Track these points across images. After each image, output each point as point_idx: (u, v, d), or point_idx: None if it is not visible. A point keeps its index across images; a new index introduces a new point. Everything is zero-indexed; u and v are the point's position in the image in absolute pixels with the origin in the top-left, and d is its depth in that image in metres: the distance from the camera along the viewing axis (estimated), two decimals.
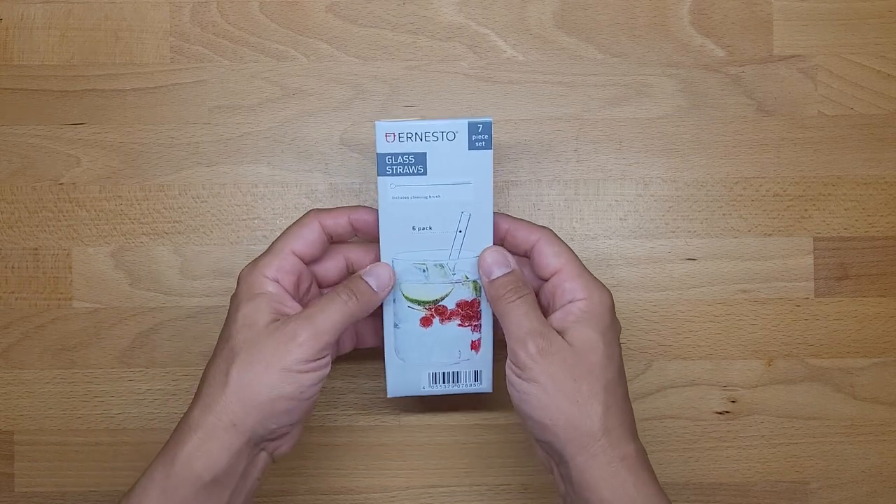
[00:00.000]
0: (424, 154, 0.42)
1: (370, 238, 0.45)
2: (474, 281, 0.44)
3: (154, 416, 0.51)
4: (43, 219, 0.51)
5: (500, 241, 0.44)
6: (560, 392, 0.39)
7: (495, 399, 0.51)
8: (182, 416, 0.41)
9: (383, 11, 0.51)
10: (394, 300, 0.44)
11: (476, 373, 0.46)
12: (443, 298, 0.44)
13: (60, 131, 0.51)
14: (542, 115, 0.51)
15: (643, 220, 0.51)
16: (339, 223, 0.44)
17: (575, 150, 0.51)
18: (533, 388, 0.40)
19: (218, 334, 0.50)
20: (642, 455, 0.40)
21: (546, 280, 0.43)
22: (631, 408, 0.41)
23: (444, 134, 0.42)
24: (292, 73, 0.51)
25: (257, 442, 0.40)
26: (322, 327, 0.40)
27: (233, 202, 0.51)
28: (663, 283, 0.51)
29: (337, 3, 0.51)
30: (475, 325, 0.45)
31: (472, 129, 0.42)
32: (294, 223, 0.44)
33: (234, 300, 0.42)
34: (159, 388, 0.51)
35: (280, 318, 0.41)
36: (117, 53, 0.51)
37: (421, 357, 0.45)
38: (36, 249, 0.51)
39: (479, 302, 0.44)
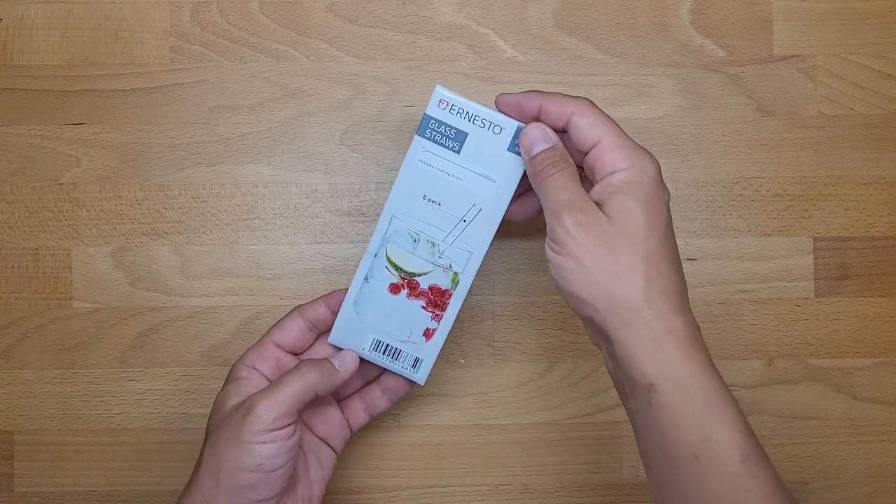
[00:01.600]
0: (466, 135, 0.43)
1: None
2: (456, 273, 0.44)
3: (154, 417, 0.51)
4: (43, 219, 0.51)
5: (533, 118, 0.42)
6: (597, 265, 0.37)
7: (495, 399, 0.51)
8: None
9: (383, 11, 0.51)
10: (375, 255, 0.44)
11: (416, 360, 0.45)
12: (420, 275, 0.44)
13: (60, 131, 0.51)
14: None
15: None
16: (318, 312, 0.45)
17: None
18: (569, 263, 0.38)
19: (217, 335, 0.51)
20: (692, 328, 0.38)
21: (586, 154, 0.40)
22: (681, 279, 0.39)
23: (492, 125, 0.43)
24: (292, 73, 0.51)
25: None
26: (277, 398, 0.40)
27: (233, 202, 0.51)
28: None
29: (337, 3, 0.51)
30: (437, 315, 0.44)
31: (519, 133, 0.42)
32: (283, 317, 0.46)
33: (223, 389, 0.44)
34: (159, 388, 0.51)
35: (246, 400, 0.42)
36: (117, 53, 0.51)
37: (375, 319, 0.45)
38: (36, 249, 0.51)
39: (451, 296, 0.44)
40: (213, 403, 0.43)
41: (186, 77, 0.51)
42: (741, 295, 0.51)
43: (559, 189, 0.39)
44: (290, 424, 0.41)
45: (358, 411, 0.46)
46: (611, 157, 0.39)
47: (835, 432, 0.51)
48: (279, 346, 0.45)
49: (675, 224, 0.51)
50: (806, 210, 0.51)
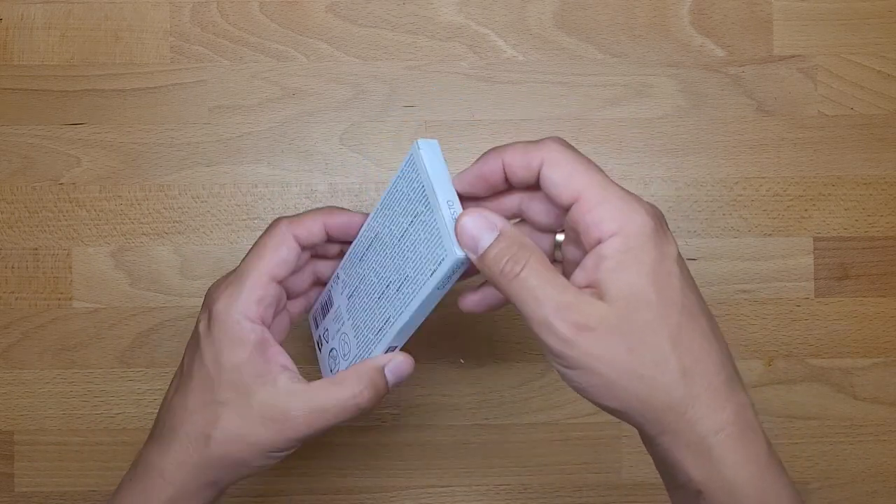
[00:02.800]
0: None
1: (346, 241, 0.41)
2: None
3: (154, 417, 0.51)
4: (43, 219, 0.51)
5: (501, 183, 0.35)
6: (618, 372, 0.30)
7: (495, 399, 0.51)
8: (138, 454, 0.39)
9: (383, 11, 0.51)
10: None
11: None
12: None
13: (60, 131, 0.51)
14: (542, 116, 0.51)
15: None
16: (313, 233, 0.38)
17: None
18: (584, 378, 0.31)
19: None
20: (744, 416, 0.31)
21: (567, 210, 0.33)
22: (722, 350, 0.32)
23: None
24: (292, 73, 0.51)
25: (224, 489, 0.39)
26: (318, 426, 0.36)
27: (233, 202, 0.51)
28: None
29: (337, 3, 0.51)
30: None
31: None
32: (265, 238, 0.38)
33: (210, 336, 0.36)
34: (159, 388, 0.51)
35: (270, 377, 0.36)
36: (117, 53, 0.51)
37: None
38: (36, 249, 0.51)
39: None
40: (216, 357, 0.36)
41: (186, 77, 0.51)
42: (741, 295, 0.51)
43: (535, 290, 0.31)
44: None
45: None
46: (596, 219, 0.31)
47: (835, 432, 0.51)
48: (277, 282, 0.37)
49: (675, 224, 0.51)
50: (806, 210, 0.51)
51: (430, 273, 0.34)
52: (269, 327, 0.38)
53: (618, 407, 0.31)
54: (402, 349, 0.38)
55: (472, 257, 0.33)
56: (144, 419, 0.51)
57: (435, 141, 0.36)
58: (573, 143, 0.49)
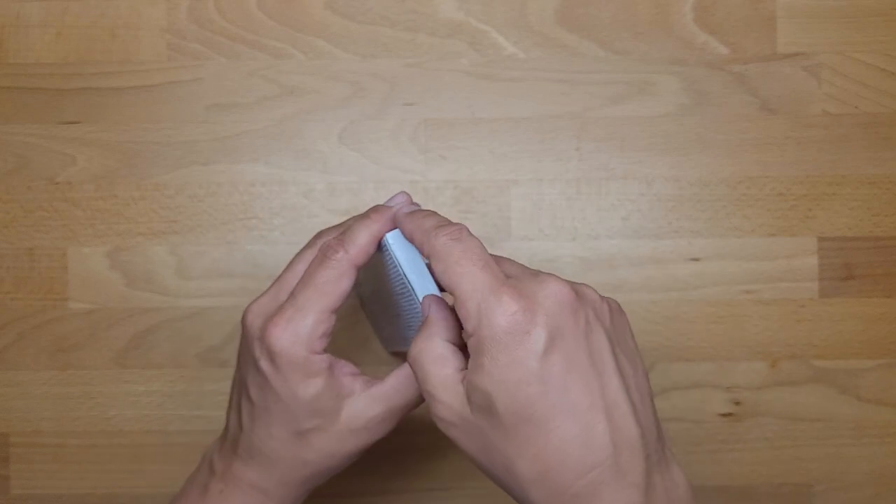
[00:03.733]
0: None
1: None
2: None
3: (150, 418, 0.51)
4: (38, 218, 0.51)
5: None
6: (482, 467, 0.34)
7: None
8: (222, 463, 0.40)
9: (382, 8, 0.51)
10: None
11: None
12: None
13: (56, 130, 0.51)
14: (543, 114, 0.51)
15: (646, 219, 0.51)
16: (369, 252, 0.38)
17: (577, 149, 0.51)
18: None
19: (214, 336, 0.50)
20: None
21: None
22: (590, 455, 0.31)
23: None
24: (290, 70, 0.51)
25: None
26: (399, 419, 0.39)
27: (230, 201, 0.51)
28: (666, 284, 0.51)
29: None
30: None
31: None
32: (325, 272, 0.36)
33: (280, 374, 0.36)
34: (156, 389, 0.51)
35: (345, 391, 0.37)
36: (113, 51, 0.51)
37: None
38: (31, 249, 0.51)
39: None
40: (293, 390, 0.36)
41: (183, 75, 0.51)
42: (745, 296, 0.51)
43: (418, 371, 0.35)
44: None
45: None
46: (461, 315, 0.32)
47: (839, 434, 0.51)
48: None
49: (678, 224, 0.51)
50: (810, 210, 0.51)
51: None
52: None
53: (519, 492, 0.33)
54: None
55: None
56: (141, 421, 0.51)
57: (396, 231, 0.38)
58: (575, 142, 0.49)
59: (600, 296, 0.34)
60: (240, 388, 0.39)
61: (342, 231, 0.38)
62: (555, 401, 0.31)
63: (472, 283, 0.32)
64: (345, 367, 0.38)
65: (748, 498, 0.51)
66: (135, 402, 0.51)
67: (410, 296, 0.38)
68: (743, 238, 0.51)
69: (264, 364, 0.37)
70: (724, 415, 0.51)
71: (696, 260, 0.51)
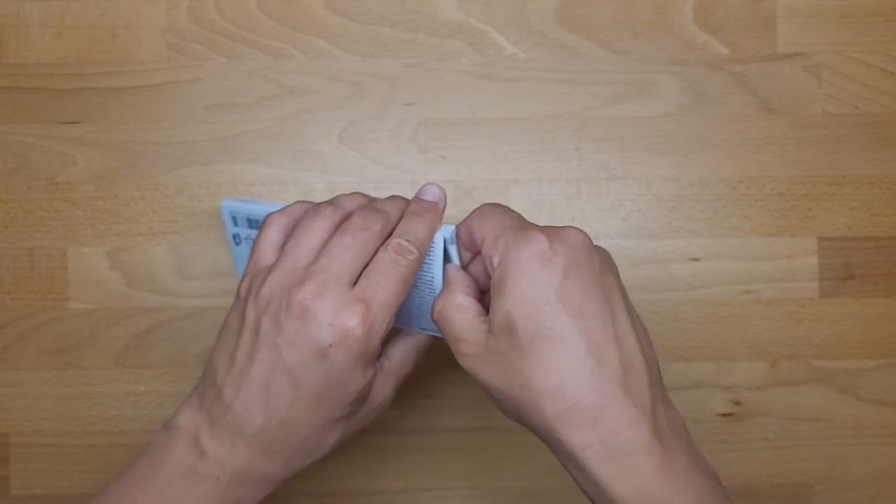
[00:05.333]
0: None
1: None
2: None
3: (150, 418, 0.51)
4: (38, 218, 0.51)
5: (465, 254, 0.40)
6: (501, 394, 0.35)
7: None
8: (224, 448, 0.38)
9: (382, 8, 0.51)
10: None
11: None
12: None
13: (56, 130, 0.51)
14: (543, 114, 0.51)
15: (646, 219, 0.51)
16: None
17: (577, 149, 0.51)
18: (490, 396, 0.37)
19: (213, 336, 0.50)
20: (616, 439, 0.33)
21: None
22: (599, 373, 0.33)
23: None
24: (290, 70, 0.51)
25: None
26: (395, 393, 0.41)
27: None
28: (666, 284, 0.51)
29: None
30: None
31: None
32: (403, 269, 0.37)
33: (350, 358, 0.36)
34: (156, 389, 0.51)
35: (375, 384, 0.39)
36: (113, 51, 0.51)
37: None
38: (31, 249, 0.51)
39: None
40: (349, 369, 0.36)
41: (183, 75, 0.51)
42: (745, 295, 0.51)
43: (442, 324, 0.38)
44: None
45: None
46: (487, 255, 0.36)
47: (839, 434, 0.51)
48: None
49: (678, 224, 0.51)
50: (810, 210, 0.51)
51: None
52: None
53: (518, 422, 0.36)
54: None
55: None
56: (141, 421, 0.51)
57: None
58: (575, 142, 0.49)
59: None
60: (272, 368, 0.37)
61: (389, 220, 0.39)
62: (571, 321, 0.33)
63: (501, 223, 0.36)
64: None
65: (748, 498, 0.51)
66: (135, 402, 0.51)
67: (429, 282, 0.40)
68: (743, 238, 0.51)
69: (337, 351, 0.36)
70: (724, 415, 0.51)
71: (696, 260, 0.51)
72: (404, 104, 0.51)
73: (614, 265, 0.38)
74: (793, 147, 0.51)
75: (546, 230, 0.35)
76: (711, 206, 0.51)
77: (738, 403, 0.51)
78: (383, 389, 0.40)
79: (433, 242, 0.40)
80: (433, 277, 0.40)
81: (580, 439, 0.33)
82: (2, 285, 0.51)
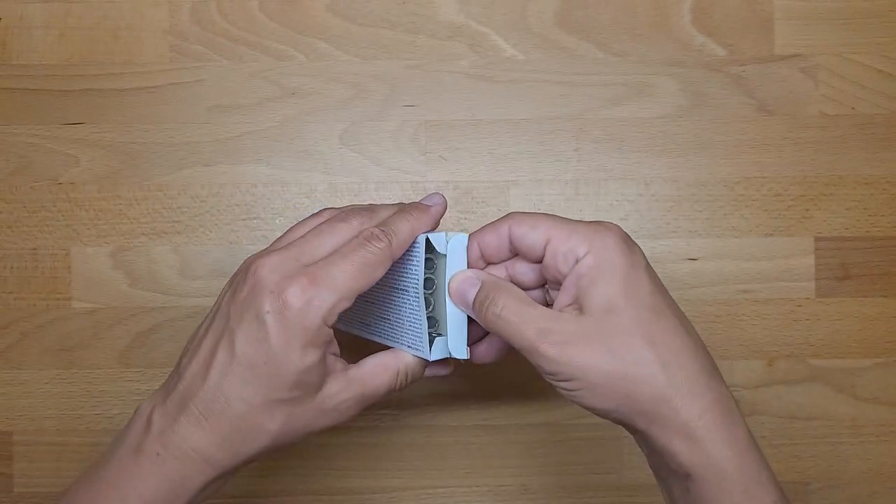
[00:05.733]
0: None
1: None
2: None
3: None
4: (41, 219, 0.51)
5: (480, 263, 0.40)
6: (604, 376, 0.34)
7: (496, 399, 0.51)
8: (164, 421, 0.37)
9: (383, 10, 0.51)
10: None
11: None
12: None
13: (59, 131, 0.51)
14: (542, 115, 0.51)
15: (644, 219, 0.51)
16: (406, 247, 0.39)
17: (575, 150, 0.51)
18: (576, 386, 0.35)
19: None
20: (723, 403, 0.35)
21: (543, 260, 0.38)
22: (696, 343, 0.36)
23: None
24: (291, 72, 0.51)
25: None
26: (364, 407, 0.39)
27: (232, 202, 0.51)
28: (664, 283, 0.51)
29: (336, 1, 0.51)
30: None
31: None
32: (369, 256, 0.37)
33: (286, 333, 0.35)
34: (158, 388, 0.51)
35: (327, 377, 0.37)
36: (116, 53, 0.51)
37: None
38: (35, 249, 0.51)
39: None
40: (286, 353, 0.36)
41: (185, 76, 0.51)
42: (742, 295, 0.51)
43: (514, 321, 0.35)
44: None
45: None
46: (569, 247, 0.36)
47: (836, 433, 0.51)
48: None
49: (676, 224, 0.51)
50: (807, 210, 0.51)
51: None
52: None
53: (610, 407, 0.35)
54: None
55: (468, 311, 0.38)
56: None
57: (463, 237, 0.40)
58: (574, 143, 0.49)
59: None
60: (219, 336, 0.37)
61: (375, 218, 0.39)
62: (662, 299, 0.36)
63: (555, 221, 0.37)
64: (334, 346, 0.38)
65: None
66: (137, 401, 0.51)
67: (414, 291, 0.39)
68: (740, 238, 0.51)
69: (272, 319, 0.35)
70: None
71: (694, 260, 0.51)
72: (405, 106, 0.51)
73: None
74: (790, 148, 0.51)
75: (605, 224, 0.37)
76: (709, 206, 0.51)
77: (735, 402, 0.51)
78: (341, 394, 0.37)
79: (416, 244, 0.39)
80: (418, 284, 0.39)
81: (696, 407, 0.34)
82: (5, 285, 0.51)
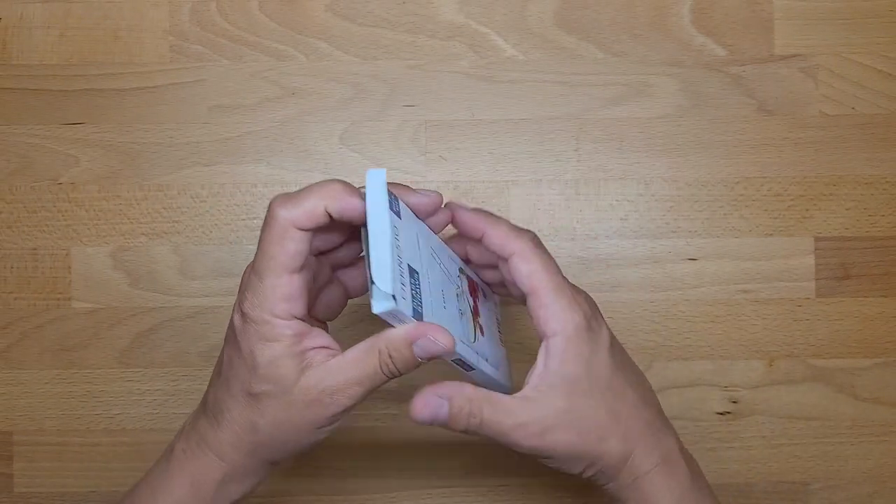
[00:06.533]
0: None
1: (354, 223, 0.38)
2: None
3: (153, 417, 0.51)
4: (42, 219, 0.51)
5: (475, 238, 0.41)
6: (577, 450, 0.39)
7: None
8: (191, 422, 0.40)
9: (383, 10, 0.51)
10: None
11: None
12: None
13: (59, 131, 0.51)
14: (542, 115, 0.51)
15: (644, 219, 0.51)
16: (315, 216, 0.36)
17: (575, 150, 0.51)
18: (557, 461, 0.40)
19: (218, 335, 0.50)
20: (668, 459, 0.40)
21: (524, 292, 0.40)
22: (650, 409, 0.41)
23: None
24: (292, 72, 0.51)
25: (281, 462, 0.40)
26: (358, 395, 0.38)
27: (232, 202, 0.51)
28: (664, 284, 0.51)
29: (336, 1, 0.51)
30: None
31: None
32: (266, 234, 0.36)
33: (245, 333, 0.37)
34: (158, 388, 0.51)
35: (305, 362, 0.37)
36: (116, 53, 0.51)
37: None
38: (35, 249, 0.51)
39: None
40: (251, 358, 0.37)
41: (186, 76, 0.51)
42: (742, 295, 0.51)
43: (496, 426, 0.39)
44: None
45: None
46: (544, 316, 0.39)
47: (836, 433, 0.51)
48: (297, 273, 0.37)
49: (676, 224, 0.51)
50: (807, 210, 0.51)
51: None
52: (310, 310, 0.39)
53: (578, 472, 0.40)
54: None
55: (442, 423, 0.40)
56: (144, 420, 0.51)
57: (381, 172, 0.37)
58: (574, 143, 0.49)
59: None
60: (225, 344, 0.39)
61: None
62: (621, 375, 0.40)
63: (553, 287, 0.39)
64: (317, 339, 0.37)
65: (746, 496, 0.51)
66: (137, 401, 0.51)
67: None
68: (740, 238, 0.51)
69: (237, 319, 0.37)
70: (721, 413, 0.51)
71: (694, 260, 0.51)
72: (405, 106, 0.51)
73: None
74: (790, 148, 0.51)
75: (579, 301, 0.39)
76: (709, 206, 0.51)
77: (735, 402, 0.51)
78: (322, 383, 0.37)
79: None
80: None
81: (646, 464, 0.40)
82: (6, 285, 0.51)
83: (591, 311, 0.40)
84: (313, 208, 0.36)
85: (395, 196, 0.38)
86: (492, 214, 0.41)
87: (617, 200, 0.51)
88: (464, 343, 0.40)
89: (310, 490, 0.51)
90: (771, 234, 0.51)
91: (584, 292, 0.41)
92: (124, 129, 0.51)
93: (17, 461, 0.51)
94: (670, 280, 0.51)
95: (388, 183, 0.37)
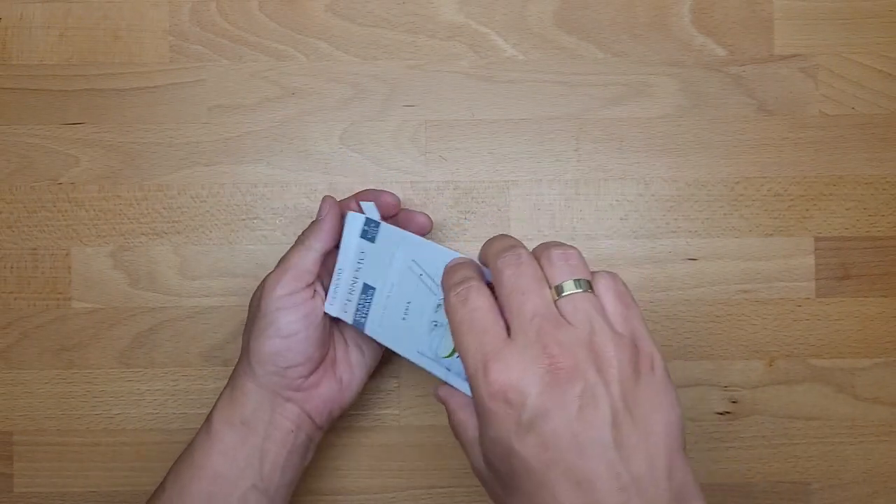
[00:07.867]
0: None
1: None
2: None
3: (153, 417, 0.51)
4: (42, 219, 0.51)
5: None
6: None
7: None
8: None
9: (383, 10, 0.51)
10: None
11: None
12: None
13: (59, 131, 0.51)
14: (542, 115, 0.51)
15: (644, 219, 0.51)
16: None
17: (575, 150, 0.51)
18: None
19: (218, 335, 0.50)
20: (682, 497, 0.35)
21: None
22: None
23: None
24: (292, 72, 0.51)
25: (275, 389, 0.43)
26: (287, 265, 0.43)
27: (232, 202, 0.51)
28: (664, 284, 0.51)
29: (336, 1, 0.51)
30: None
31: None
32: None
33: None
34: (158, 388, 0.51)
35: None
36: (116, 53, 0.51)
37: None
38: (35, 249, 0.51)
39: None
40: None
41: (185, 76, 0.51)
42: (742, 295, 0.51)
43: (458, 424, 0.38)
44: (301, 289, 0.43)
45: None
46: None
47: (836, 433, 0.51)
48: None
49: (676, 224, 0.51)
50: (807, 210, 0.51)
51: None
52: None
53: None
54: None
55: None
56: (144, 419, 0.51)
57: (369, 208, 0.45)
58: (574, 143, 0.49)
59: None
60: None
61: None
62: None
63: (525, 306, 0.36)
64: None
65: (746, 496, 0.51)
66: (137, 401, 0.51)
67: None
68: (740, 238, 0.51)
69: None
70: (721, 413, 0.51)
71: (694, 260, 0.51)
72: (405, 106, 0.51)
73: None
74: (790, 148, 0.51)
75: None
76: (709, 206, 0.51)
77: (735, 402, 0.51)
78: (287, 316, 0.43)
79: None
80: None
81: None
82: (6, 285, 0.51)
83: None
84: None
85: (376, 222, 0.43)
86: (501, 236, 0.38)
87: (617, 200, 0.51)
88: (424, 356, 0.40)
89: (310, 490, 0.51)
90: (771, 234, 0.51)
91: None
92: (124, 129, 0.51)
93: (17, 461, 0.51)
94: (670, 280, 0.51)
95: (359, 192, 0.46)
